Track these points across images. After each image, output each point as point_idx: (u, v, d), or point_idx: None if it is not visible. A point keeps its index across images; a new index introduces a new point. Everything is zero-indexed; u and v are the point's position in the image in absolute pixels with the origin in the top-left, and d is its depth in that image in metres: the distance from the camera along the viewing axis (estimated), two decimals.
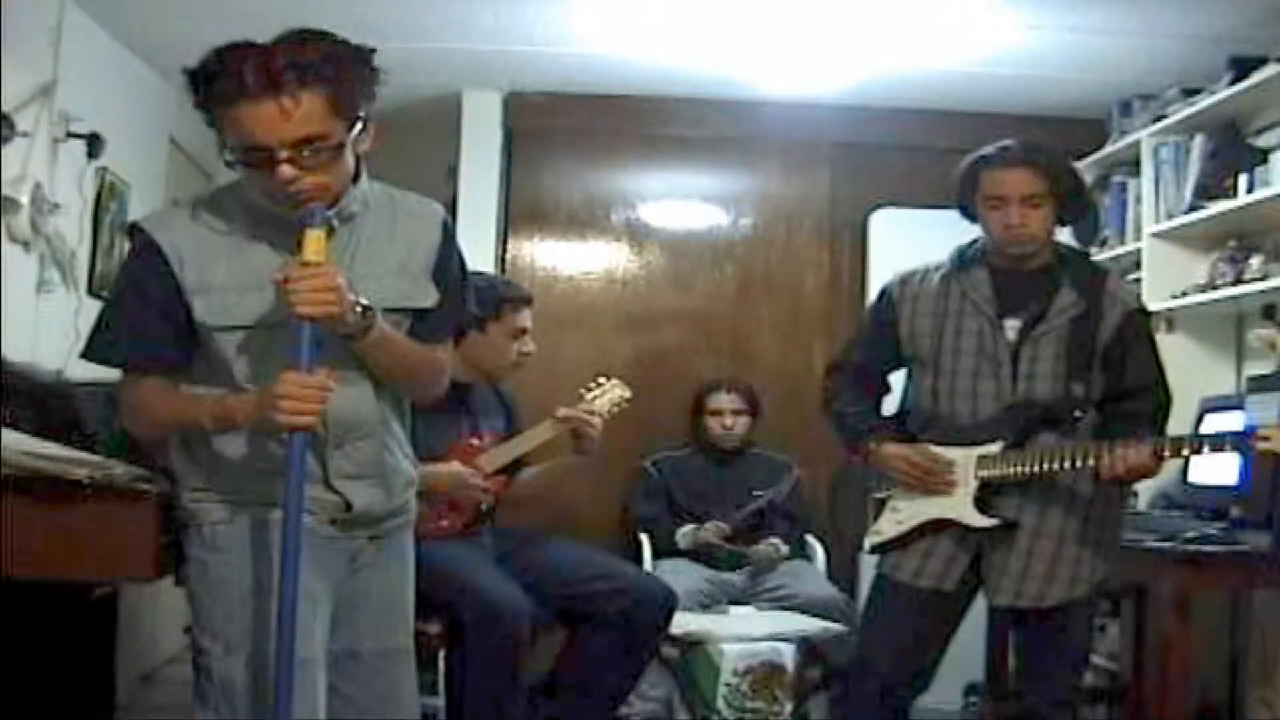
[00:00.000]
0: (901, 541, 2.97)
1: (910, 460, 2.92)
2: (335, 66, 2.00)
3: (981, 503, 2.87)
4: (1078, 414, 2.85)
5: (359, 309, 2.06)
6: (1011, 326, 2.90)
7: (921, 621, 2.95)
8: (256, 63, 1.95)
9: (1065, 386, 2.85)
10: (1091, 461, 2.73)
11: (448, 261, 2.27)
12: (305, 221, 2.02)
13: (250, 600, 2.12)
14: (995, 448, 2.86)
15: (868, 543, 3.05)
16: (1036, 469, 2.80)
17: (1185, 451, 2.75)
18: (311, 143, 1.99)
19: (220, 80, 1.96)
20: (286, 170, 1.99)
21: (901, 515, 2.97)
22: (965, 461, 2.89)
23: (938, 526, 2.92)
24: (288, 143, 1.98)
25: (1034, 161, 2.85)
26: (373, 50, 2.06)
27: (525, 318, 3.59)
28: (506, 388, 3.76)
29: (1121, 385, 2.88)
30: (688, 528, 4.59)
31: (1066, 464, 2.77)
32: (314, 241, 2.01)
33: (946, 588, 2.91)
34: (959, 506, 2.89)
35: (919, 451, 2.93)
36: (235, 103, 1.96)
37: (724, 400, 4.80)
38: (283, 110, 1.95)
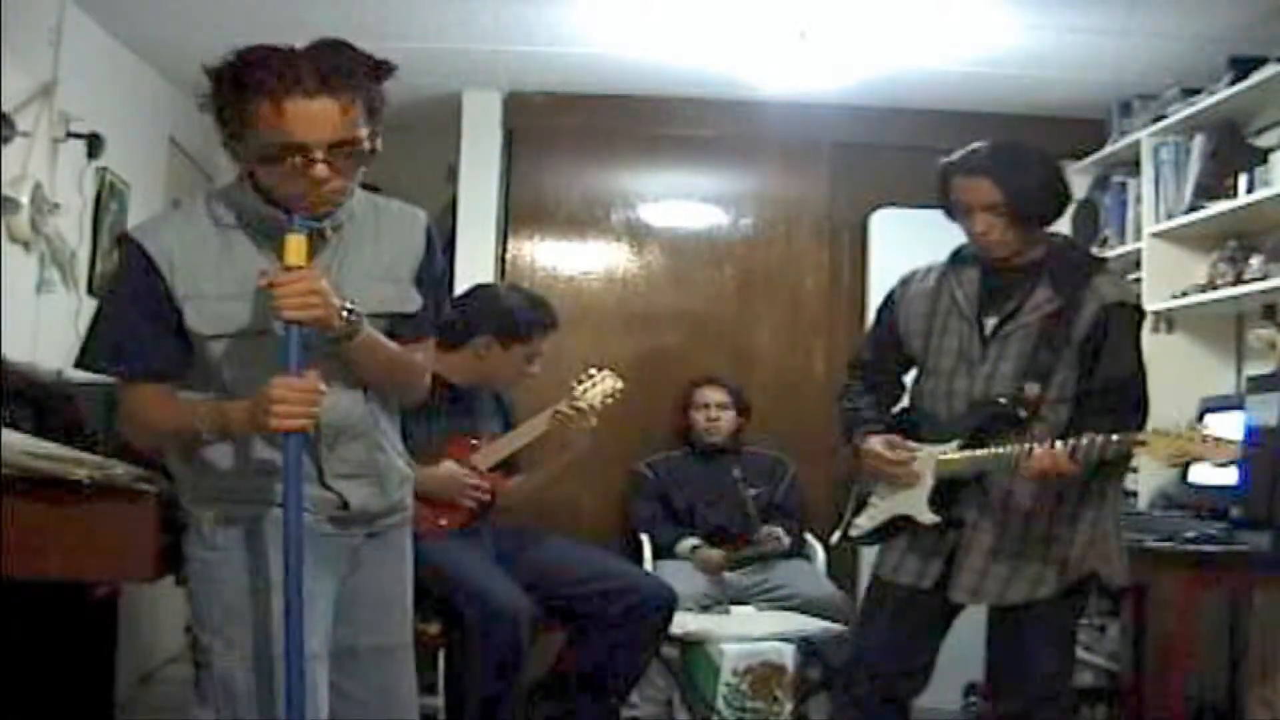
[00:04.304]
0: (880, 537, 3.01)
1: (879, 453, 2.95)
2: (371, 76, 2.05)
3: (937, 501, 2.89)
4: (1022, 413, 2.83)
5: (345, 313, 2.08)
6: (990, 325, 2.91)
7: (906, 619, 2.96)
8: (309, 63, 1.98)
9: (1020, 384, 2.84)
10: (1017, 462, 2.74)
11: (431, 267, 2.30)
12: (286, 226, 2.04)
13: (249, 598, 2.14)
14: (953, 446, 2.88)
15: (836, 535, 3.11)
16: (983, 467, 2.82)
17: (1093, 453, 2.68)
18: (348, 146, 2.03)
19: (270, 74, 1.97)
20: (322, 170, 2.02)
21: (874, 510, 3.02)
22: (928, 459, 2.91)
23: (901, 524, 2.95)
24: (328, 143, 2.01)
25: (992, 171, 2.82)
26: (395, 66, 2.08)
27: (547, 343, 3.60)
28: (506, 392, 3.76)
29: (1094, 381, 2.83)
30: (688, 543, 4.58)
31: (1001, 462, 2.78)
32: (295, 246, 2.04)
33: (924, 585, 2.93)
34: (915, 503, 2.92)
35: (887, 443, 2.96)
36: (286, 98, 1.97)
37: (709, 394, 4.80)
38: (341, 109, 1.99)
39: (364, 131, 2.04)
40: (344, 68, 2.00)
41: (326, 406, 2.09)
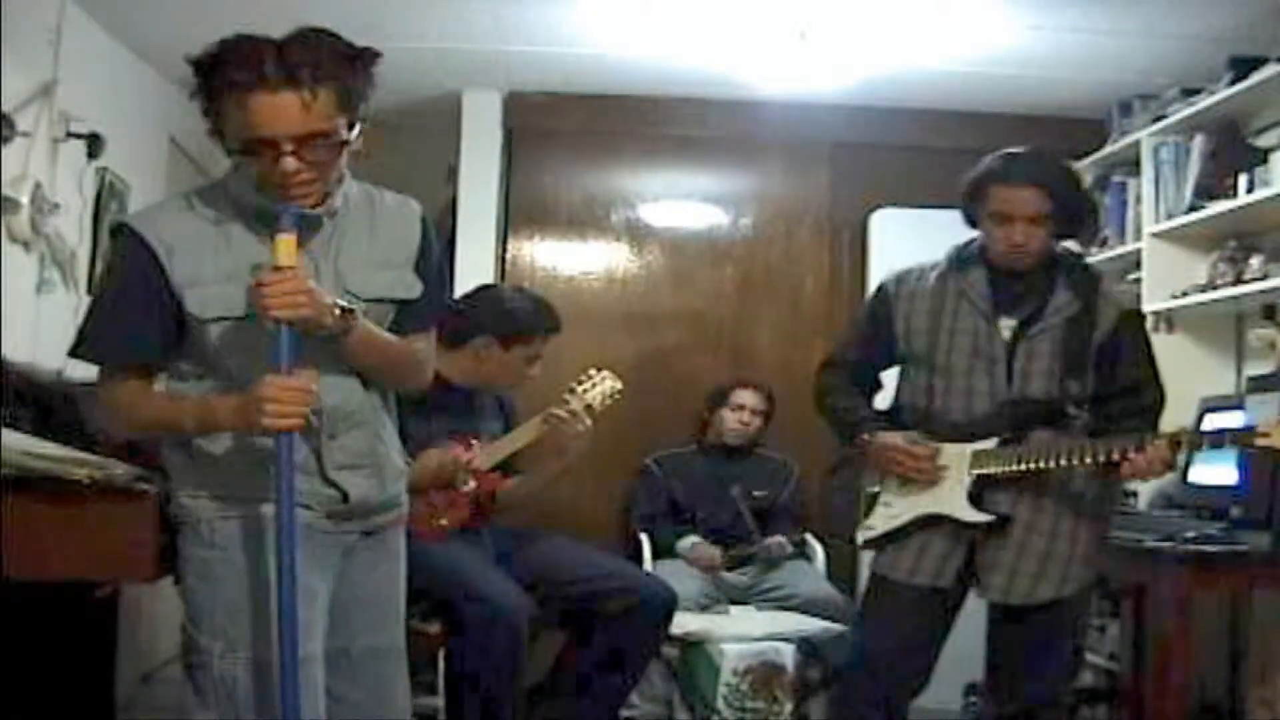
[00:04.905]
0: (894, 537, 2.98)
1: (903, 449, 2.93)
2: (346, 66, 2.04)
3: (975, 498, 2.88)
4: (1072, 411, 2.86)
5: (338, 311, 2.08)
6: (1006, 325, 2.91)
7: (918, 620, 2.95)
8: (276, 55, 1.98)
9: (1061, 384, 2.86)
10: (1103, 458, 2.73)
11: (429, 255, 2.30)
12: (275, 226, 2.04)
13: (251, 598, 2.13)
14: (990, 443, 2.87)
15: (860, 537, 3.06)
16: (1033, 465, 2.81)
17: (1185, 448, 2.73)
18: (318, 138, 2.03)
19: (236, 69, 1.98)
20: (291, 163, 2.02)
21: (894, 510, 2.98)
22: (959, 457, 2.90)
23: (931, 522, 2.93)
24: (296, 136, 2.01)
25: (1043, 181, 2.84)
26: (378, 53, 2.08)
27: (547, 345, 3.60)
28: (507, 394, 3.76)
29: (1115, 384, 2.89)
30: (687, 541, 4.58)
31: (1066, 460, 2.77)
32: (284, 246, 2.04)
33: (942, 584, 2.92)
34: (952, 501, 2.90)
35: (912, 440, 2.94)
36: (250, 92, 1.98)
37: (748, 397, 4.81)
38: (302, 104, 1.99)
39: (336, 122, 2.03)
40: (311, 59, 1.99)
41: (327, 395, 2.10)
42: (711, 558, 4.50)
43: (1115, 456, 2.71)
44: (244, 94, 1.98)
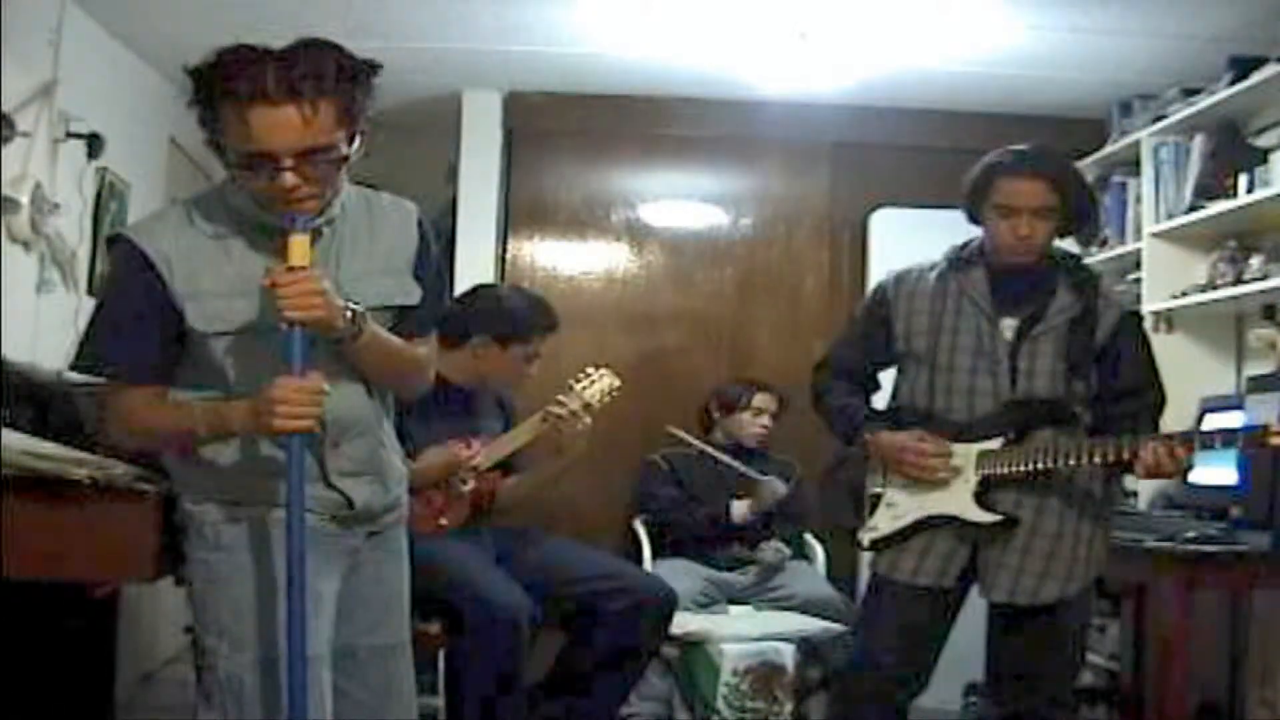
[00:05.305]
0: (899, 537, 2.97)
1: (915, 447, 2.91)
2: (348, 79, 2.01)
3: (982, 498, 2.87)
4: (1076, 409, 2.87)
5: (348, 313, 2.08)
6: (1008, 325, 2.91)
7: (920, 620, 2.94)
8: (278, 68, 1.95)
9: (1067, 384, 2.87)
10: (1112, 457, 2.74)
11: (427, 258, 2.29)
12: (289, 227, 2.03)
13: (256, 599, 2.13)
14: (996, 444, 2.87)
15: (866, 539, 3.04)
16: (1042, 465, 2.80)
17: (1197, 447, 2.72)
18: (318, 153, 2.00)
19: (236, 80, 1.95)
20: (290, 178, 2.00)
21: (899, 510, 2.97)
22: (965, 457, 2.89)
23: (933, 523, 2.92)
24: (296, 151, 1.98)
25: (1049, 174, 2.84)
26: (379, 65, 2.06)
27: (546, 343, 3.60)
28: (506, 393, 3.76)
29: (1117, 385, 2.90)
30: (743, 502, 4.55)
31: (1076, 460, 2.77)
32: (298, 247, 2.02)
33: (946, 584, 2.91)
34: (959, 502, 2.89)
35: (920, 438, 2.92)
36: (251, 105, 1.95)
37: (765, 401, 4.80)
38: (304, 118, 1.96)
39: (336, 136, 2.01)
40: (314, 72, 1.96)
41: (330, 403, 2.08)
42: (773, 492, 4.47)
43: (1127, 455, 2.71)
44: (244, 106, 1.95)
